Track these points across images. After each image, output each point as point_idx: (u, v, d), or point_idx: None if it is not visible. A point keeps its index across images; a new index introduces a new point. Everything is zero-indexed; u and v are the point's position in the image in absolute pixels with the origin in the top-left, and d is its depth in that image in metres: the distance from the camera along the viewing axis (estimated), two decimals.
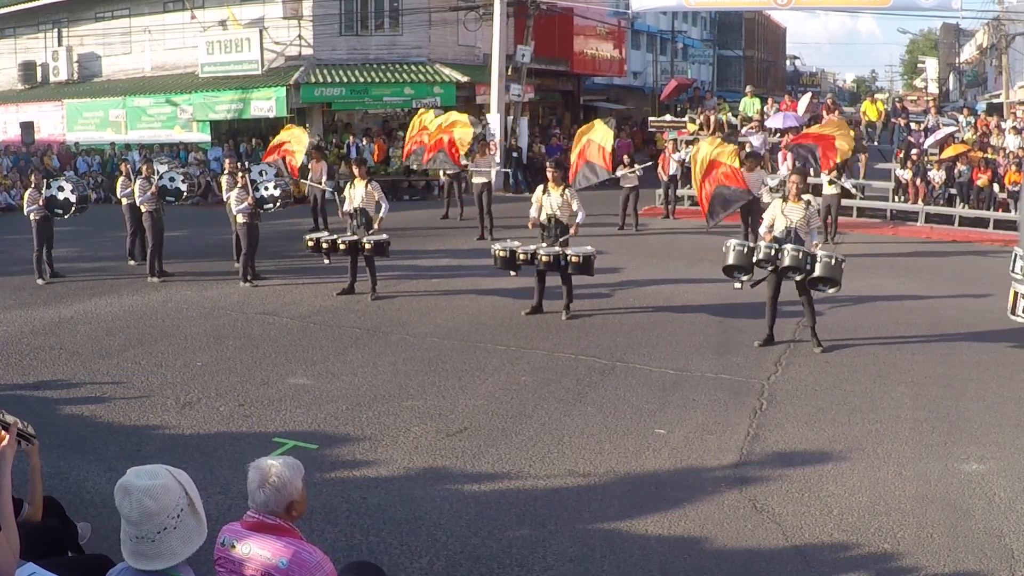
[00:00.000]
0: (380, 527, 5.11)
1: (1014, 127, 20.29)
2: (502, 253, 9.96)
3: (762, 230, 9.19)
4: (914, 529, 5.08)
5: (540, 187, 10.10)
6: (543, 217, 9.93)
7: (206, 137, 25.34)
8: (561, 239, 9.80)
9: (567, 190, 9.91)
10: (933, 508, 5.34)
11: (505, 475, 5.84)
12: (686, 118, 23.32)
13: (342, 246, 10.88)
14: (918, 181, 18.25)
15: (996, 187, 17.67)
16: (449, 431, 6.60)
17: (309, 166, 16.12)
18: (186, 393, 7.48)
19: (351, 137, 23.64)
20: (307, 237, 11.36)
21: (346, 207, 11.12)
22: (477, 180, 16.22)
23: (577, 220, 9.87)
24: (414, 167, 18.72)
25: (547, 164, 10.72)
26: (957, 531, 5.05)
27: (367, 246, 10.74)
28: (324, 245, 11.01)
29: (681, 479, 5.78)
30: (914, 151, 19.01)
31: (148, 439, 6.48)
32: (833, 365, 8.26)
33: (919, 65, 66.04)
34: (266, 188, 12.36)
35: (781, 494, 5.54)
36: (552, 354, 8.58)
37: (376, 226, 10.94)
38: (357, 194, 10.99)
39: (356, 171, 11.15)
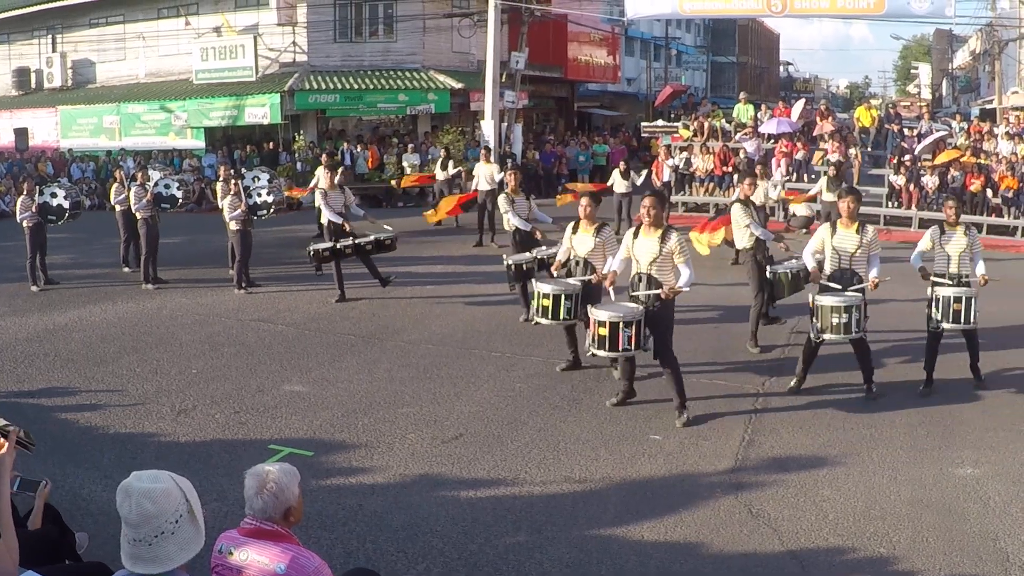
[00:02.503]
0: (376, 534, 5.11)
1: (1007, 132, 20.38)
2: (528, 266, 9.20)
3: (806, 255, 7.69)
4: (909, 533, 5.09)
5: (570, 225, 7.96)
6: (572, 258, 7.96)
7: (200, 144, 25.36)
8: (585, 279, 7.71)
9: (603, 229, 7.82)
10: (928, 512, 5.35)
11: (501, 481, 5.84)
12: (679, 124, 23.40)
13: (347, 252, 11.03)
14: (911, 187, 18.32)
15: (989, 192, 17.76)
16: (445, 438, 6.60)
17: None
18: (181, 400, 7.47)
19: (345, 144, 23.68)
20: (310, 248, 11.41)
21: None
22: (483, 187, 16.18)
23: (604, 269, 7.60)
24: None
25: (581, 199, 8.09)
26: (952, 535, 5.07)
27: (367, 247, 11.00)
28: (326, 254, 11.09)
29: (677, 485, 5.79)
30: (907, 157, 19.09)
31: (144, 446, 6.47)
32: (828, 369, 8.27)
33: (912, 71, 66.13)
34: (259, 194, 12.35)
35: (777, 499, 5.55)
36: (547, 360, 8.58)
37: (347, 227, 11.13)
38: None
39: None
